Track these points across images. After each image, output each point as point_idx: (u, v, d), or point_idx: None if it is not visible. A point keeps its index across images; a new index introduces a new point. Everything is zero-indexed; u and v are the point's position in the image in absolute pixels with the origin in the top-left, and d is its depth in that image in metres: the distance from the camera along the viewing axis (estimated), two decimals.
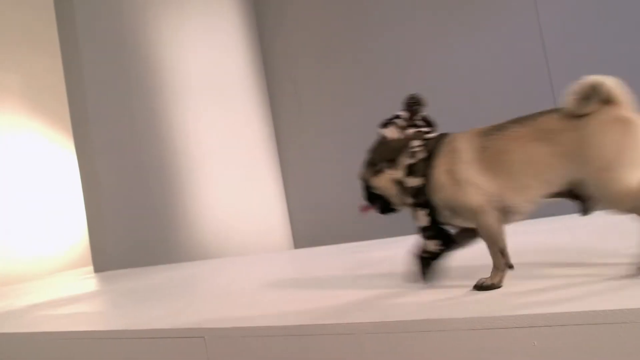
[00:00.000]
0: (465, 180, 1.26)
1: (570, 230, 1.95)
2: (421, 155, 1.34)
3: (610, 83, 1.18)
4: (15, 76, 5.94)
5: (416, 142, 1.36)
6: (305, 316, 1.31)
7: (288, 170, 6.06)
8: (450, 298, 1.26)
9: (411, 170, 1.35)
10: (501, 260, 1.26)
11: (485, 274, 1.29)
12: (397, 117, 1.42)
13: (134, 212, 4.41)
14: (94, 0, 4.49)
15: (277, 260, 2.94)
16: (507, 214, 1.26)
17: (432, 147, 1.33)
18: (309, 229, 5.93)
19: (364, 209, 1.49)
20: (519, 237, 1.44)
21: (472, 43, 5.10)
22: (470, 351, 1.06)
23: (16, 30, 5.98)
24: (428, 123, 1.42)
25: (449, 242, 1.35)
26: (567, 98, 1.20)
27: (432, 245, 1.35)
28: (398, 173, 1.37)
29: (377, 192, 1.43)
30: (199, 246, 4.75)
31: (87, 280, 3.55)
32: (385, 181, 1.40)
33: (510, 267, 1.29)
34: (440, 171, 1.30)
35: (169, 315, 1.61)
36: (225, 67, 5.63)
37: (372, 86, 5.52)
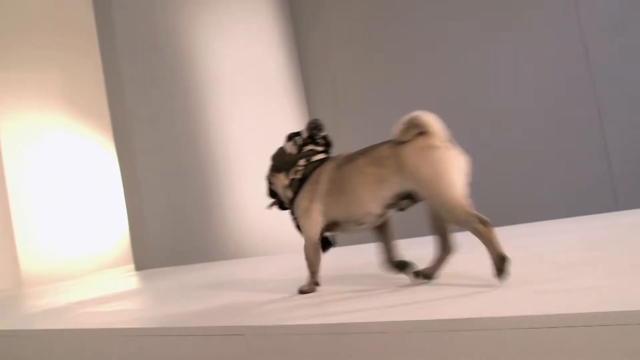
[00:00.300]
0: (313, 212, 1.59)
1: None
2: (298, 175, 1.66)
3: (426, 117, 1.45)
4: (55, 77, 6.05)
5: (302, 162, 1.67)
6: (344, 315, 1.31)
7: None
8: (475, 293, 1.23)
9: (290, 185, 1.68)
10: (312, 279, 1.66)
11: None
12: (298, 134, 1.72)
13: (173, 212, 4.46)
14: (131, 1, 4.55)
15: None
16: (357, 224, 1.54)
17: (309, 172, 1.64)
18: None
19: (269, 205, 1.84)
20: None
21: (512, 42, 5.02)
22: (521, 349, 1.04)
23: (56, 31, 6.09)
24: (327, 144, 1.73)
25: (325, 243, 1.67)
26: (394, 129, 1.48)
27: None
28: (286, 182, 1.70)
29: (275, 191, 1.77)
30: (236, 245, 4.78)
31: (128, 278, 3.60)
32: (279, 184, 1.74)
33: (317, 284, 1.66)
34: (302, 196, 1.63)
35: (208, 312, 1.62)
36: (260, 64, 5.65)
37: (409, 81, 5.48)
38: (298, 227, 1.69)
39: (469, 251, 1.57)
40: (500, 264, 1.30)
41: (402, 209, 1.52)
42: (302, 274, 2.26)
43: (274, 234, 5.11)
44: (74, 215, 5.66)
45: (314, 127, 1.71)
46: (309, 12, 6.13)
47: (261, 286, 2.07)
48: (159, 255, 4.29)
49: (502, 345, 1.05)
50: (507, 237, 1.46)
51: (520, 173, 4.98)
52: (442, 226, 1.49)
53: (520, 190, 4.96)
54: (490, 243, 1.32)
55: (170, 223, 4.44)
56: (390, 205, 1.50)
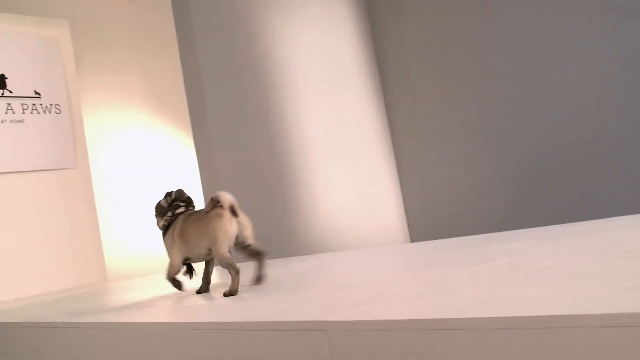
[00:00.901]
0: (174, 247, 2.33)
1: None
2: (165, 223, 2.40)
3: (223, 195, 2.24)
4: (137, 77, 6.26)
5: (169, 213, 2.42)
6: (429, 310, 1.28)
7: (403, 163, 6.00)
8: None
9: (162, 228, 2.43)
10: (176, 284, 2.42)
11: None
12: (169, 195, 2.50)
13: (251, 207, 4.49)
14: (209, 1, 4.63)
15: (394, 254, 2.92)
16: (198, 259, 2.33)
17: (171, 221, 2.38)
18: (425, 222, 5.85)
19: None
20: None
21: (597, 44, 4.82)
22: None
23: (138, 36, 6.30)
24: (188, 203, 2.48)
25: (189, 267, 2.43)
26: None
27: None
28: (160, 224, 2.45)
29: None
30: (314, 240, 4.81)
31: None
32: (159, 225, 2.47)
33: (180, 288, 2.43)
34: (167, 237, 2.37)
35: (290, 307, 1.62)
36: (336, 60, 5.65)
37: (488, 77, 5.35)
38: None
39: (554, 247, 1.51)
40: (229, 294, 2.07)
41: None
42: (383, 269, 2.25)
43: (352, 229, 5.12)
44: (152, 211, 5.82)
45: (179, 196, 2.50)
46: (385, 7, 6.08)
47: (342, 281, 2.07)
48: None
49: (589, 343, 1.00)
50: (596, 230, 1.40)
51: (605, 166, 4.80)
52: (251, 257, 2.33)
53: (598, 184, 4.78)
54: (232, 281, 2.10)
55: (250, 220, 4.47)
56: (209, 249, 2.23)
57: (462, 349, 1.14)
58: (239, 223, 2.25)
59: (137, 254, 4.07)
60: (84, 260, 5.00)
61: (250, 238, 2.32)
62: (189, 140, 5.55)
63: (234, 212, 2.23)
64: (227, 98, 4.60)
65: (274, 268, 3.10)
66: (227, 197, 2.26)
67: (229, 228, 2.19)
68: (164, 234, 2.42)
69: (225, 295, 2.08)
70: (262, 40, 4.96)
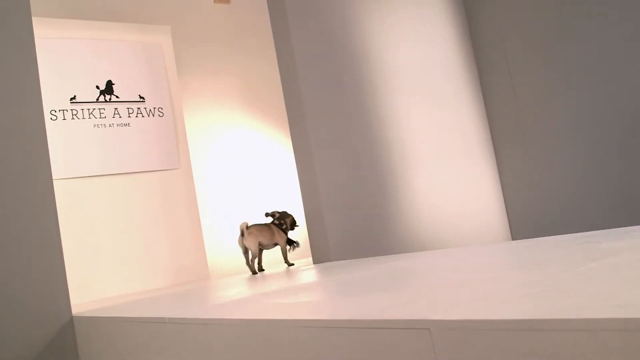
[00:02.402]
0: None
1: None
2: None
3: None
4: (235, 79, 6.41)
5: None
6: (540, 309, 1.23)
7: (503, 158, 5.84)
8: None
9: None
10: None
11: None
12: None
13: (350, 205, 4.53)
14: (305, 1, 4.67)
15: (498, 251, 2.84)
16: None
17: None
18: (526, 219, 5.67)
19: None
20: None
21: None
22: None
23: (235, 38, 6.46)
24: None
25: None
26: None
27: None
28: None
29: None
30: (414, 238, 4.77)
31: (307, 271, 3.71)
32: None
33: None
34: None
35: (392, 306, 1.60)
36: (433, 54, 5.58)
37: (595, 68, 5.12)
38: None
39: None
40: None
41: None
42: (487, 267, 2.20)
43: (451, 227, 5.04)
44: (252, 210, 5.95)
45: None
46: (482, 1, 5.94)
47: (445, 279, 2.03)
48: (337, 249, 4.38)
49: None
50: None
51: None
52: None
53: None
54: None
55: (347, 216, 4.52)
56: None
57: (576, 352, 1.08)
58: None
59: (238, 251, 4.20)
60: (188, 258, 5.17)
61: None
62: (287, 140, 5.64)
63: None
64: (325, 97, 4.63)
65: (372, 266, 3.13)
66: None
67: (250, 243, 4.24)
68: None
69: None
70: (359, 38, 4.96)
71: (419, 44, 5.46)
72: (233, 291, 3.13)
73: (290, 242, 4.47)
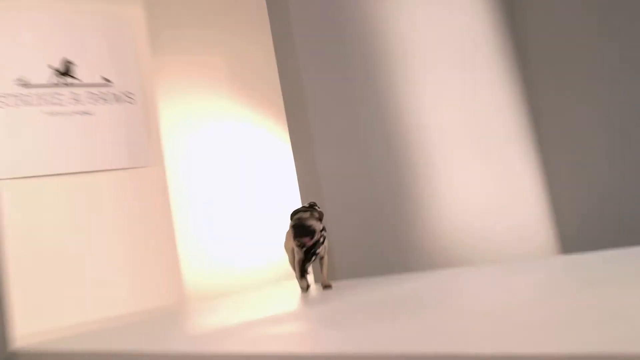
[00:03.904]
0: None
1: None
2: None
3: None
4: (221, 59, 6.38)
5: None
6: (603, 342, 1.17)
7: (550, 158, 5.78)
8: None
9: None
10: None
11: None
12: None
13: (359, 213, 4.49)
14: None
15: (544, 269, 2.80)
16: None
17: None
18: (578, 229, 5.61)
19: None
20: None
21: None
22: None
23: (222, 9, 6.43)
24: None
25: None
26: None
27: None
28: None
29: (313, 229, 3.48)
30: (439, 252, 4.74)
31: (311, 292, 3.66)
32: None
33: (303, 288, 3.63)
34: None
35: (410, 337, 1.56)
36: (464, 35, 5.52)
37: None
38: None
39: None
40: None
41: None
42: (531, 288, 2.15)
43: (485, 239, 5.00)
44: (241, 219, 5.91)
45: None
46: None
47: (479, 303, 1.99)
48: (343, 266, 4.36)
49: None
50: None
51: None
52: None
53: None
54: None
55: (357, 227, 4.49)
56: None
57: None
58: None
59: (220, 268, 4.15)
60: (159, 277, 5.12)
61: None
62: (284, 133, 5.62)
63: None
64: (330, 81, 4.60)
65: (390, 286, 3.10)
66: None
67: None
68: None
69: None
70: (372, 12, 4.91)
71: (446, 23, 5.39)
72: (215, 318, 3.10)
73: (309, 255, 3.54)
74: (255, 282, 4.75)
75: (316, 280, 4.24)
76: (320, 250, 3.49)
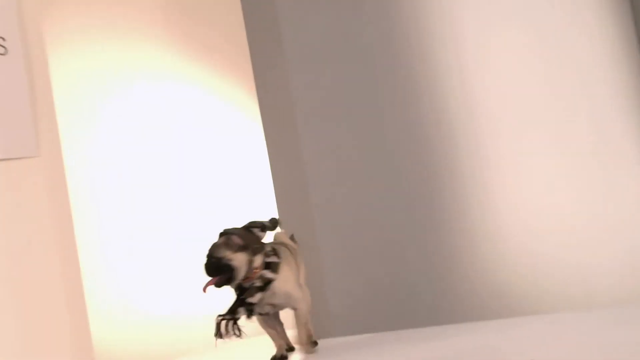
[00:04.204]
0: (300, 286, 3.60)
1: None
2: (274, 259, 3.45)
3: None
4: None
5: (268, 247, 3.50)
6: None
7: None
8: None
9: (269, 267, 3.42)
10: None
11: None
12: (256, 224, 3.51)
13: (370, 231, 4.60)
14: None
15: None
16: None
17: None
18: None
19: (211, 283, 3.40)
20: None
21: None
22: None
23: None
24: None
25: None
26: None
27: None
28: (258, 262, 3.41)
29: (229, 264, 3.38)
30: (497, 291, 4.82)
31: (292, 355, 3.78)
32: (244, 262, 3.38)
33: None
34: (287, 273, 3.51)
35: None
36: None
37: None
38: (272, 304, 3.49)
39: None
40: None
41: None
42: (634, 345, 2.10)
43: (571, 272, 4.98)
44: (178, 238, 5.92)
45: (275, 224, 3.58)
46: None
47: None
48: (344, 316, 4.46)
49: None
50: None
51: None
52: None
53: None
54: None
55: (361, 263, 4.58)
56: None
57: None
58: None
59: (145, 315, 4.11)
60: (55, 327, 5.07)
61: None
62: (251, 106, 5.71)
63: None
64: (323, 26, 4.67)
65: (425, 344, 3.19)
66: None
67: None
68: (275, 271, 3.44)
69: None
70: None
71: None
72: None
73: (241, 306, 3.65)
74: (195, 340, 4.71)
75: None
76: (256, 297, 3.41)
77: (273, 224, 3.52)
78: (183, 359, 4.46)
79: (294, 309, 3.52)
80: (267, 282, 3.36)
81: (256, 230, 3.43)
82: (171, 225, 6.12)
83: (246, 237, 3.38)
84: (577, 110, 5.49)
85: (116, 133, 6.14)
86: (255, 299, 3.35)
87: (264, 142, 4.72)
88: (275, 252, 3.47)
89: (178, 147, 6.33)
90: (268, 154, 4.69)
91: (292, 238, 3.82)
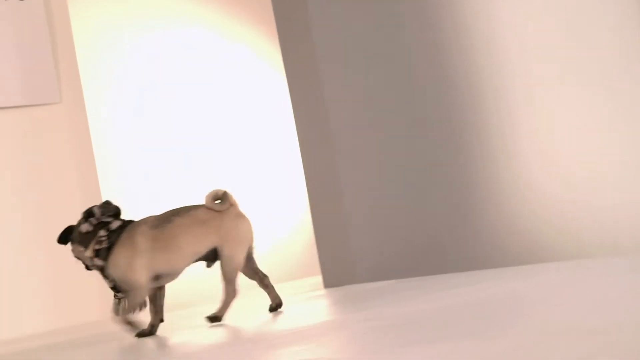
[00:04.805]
0: (138, 267, 3.49)
1: None
2: (105, 245, 3.53)
3: (230, 195, 3.72)
4: None
5: (102, 232, 3.55)
6: None
7: None
8: None
9: (97, 254, 3.55)
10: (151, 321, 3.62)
11: None
12: (92, 215, 3.61)
13: (392, 189, 4.63)
14: None
15: None
16: (174, 277, 3.67)
17: (115, 239, 3.55)
18: None
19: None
20: None
21: None
22: None
23: None
24: (116, 214, 3.66)
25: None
26: (206, 199, 3.72)
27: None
28: (88, 253, 3.56)
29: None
30: (515, 238, 4.81)
31: (317, 300, 3.84)
32: (78, 253, 3.64)
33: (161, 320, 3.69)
34: (118, 258, 3.52)
35: None
36: None
37: None
38: (114, 287, 3.57)
39: None
40: (215, 319, 3.52)
41: (208, 266, 3.73)
42: None
43: (591, 220, 4.96)
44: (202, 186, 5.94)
45: (106, 211, 3.60)
46: None
47: (580, 317, 2.04)
48: (367, 263, 4.47)
49: None
50: None
51: None
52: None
53: None
54: (225, 303, 3.56)
55: (385, 210, 4.60)
56: (196, 260, 3.62)
57: None
58: None
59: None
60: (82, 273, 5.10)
61: (253, 250, 3.76)
62: (274, 53, 5.67)
63: None
64: (357, 38, 4.65)
65: (436, 292, 3.22)
66: (234, 197, 3.74)
67: (252, 233, 3.73)
68: (104, 259, 3.55)
69: (210, 319, 3.53)
70: None
71: None
72: (194, 334, 3.37)
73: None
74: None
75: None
76: (107, 282, 3.66)
77: (103, 208, 3.62)
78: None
79: (130, 290, 3.52)
80: (101, 269, 3.55)
81: (81, 222, 3.59)
82: (192, 169, 6.13)
83: (75, 232, 3.62)
84: (605, 58, 5.47)
85: (137, 79, 6.14)
86: (108, 283, 3.63)
87: (288, 90, 4.69)
88: (108, 238, 3.53)
89: (198, 93, 6.32)
90: (291, 102, 4.67)
91: (223, 196, 3.70)
